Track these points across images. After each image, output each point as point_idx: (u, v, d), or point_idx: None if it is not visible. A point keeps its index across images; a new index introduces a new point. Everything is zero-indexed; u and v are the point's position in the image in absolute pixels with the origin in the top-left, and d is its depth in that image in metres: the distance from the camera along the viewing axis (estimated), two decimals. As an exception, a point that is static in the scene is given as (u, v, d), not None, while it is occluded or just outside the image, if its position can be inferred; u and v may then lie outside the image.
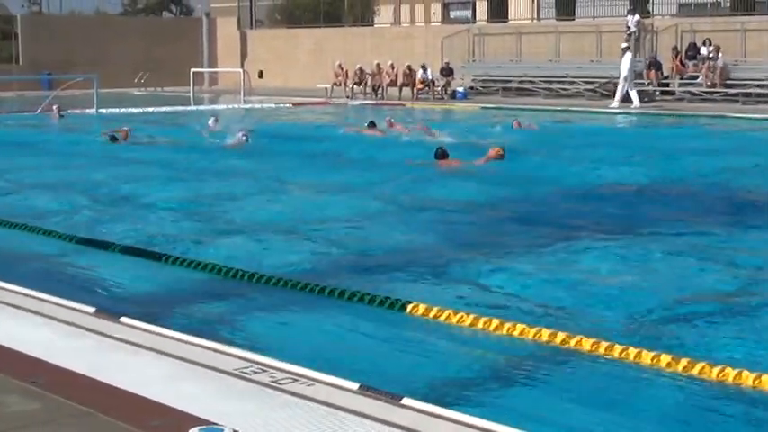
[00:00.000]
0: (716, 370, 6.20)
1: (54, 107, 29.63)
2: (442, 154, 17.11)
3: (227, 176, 16.69)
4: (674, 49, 34.74)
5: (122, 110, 32.87)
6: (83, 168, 17.90)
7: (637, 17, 35.89)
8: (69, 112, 30.34)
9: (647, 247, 10.50)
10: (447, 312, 7.45)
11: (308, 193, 14.95)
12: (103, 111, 31.63)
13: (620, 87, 33.04)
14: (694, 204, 13.79)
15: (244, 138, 21.90)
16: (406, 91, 38.73)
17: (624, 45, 33.39)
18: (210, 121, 25.38)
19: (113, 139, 22.07)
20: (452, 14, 50.21)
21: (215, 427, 4.72)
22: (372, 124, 24.19)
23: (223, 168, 17.84)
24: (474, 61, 40.84)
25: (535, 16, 44.77)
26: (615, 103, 32.87)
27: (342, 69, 40.72)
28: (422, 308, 7.59)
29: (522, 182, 15.80)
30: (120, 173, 17.07)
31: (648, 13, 39.56)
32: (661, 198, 14.48)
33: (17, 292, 7.70)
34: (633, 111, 31.78)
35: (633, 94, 32.86)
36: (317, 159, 19.05)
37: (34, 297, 7.54)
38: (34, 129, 26.38)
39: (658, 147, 21.35)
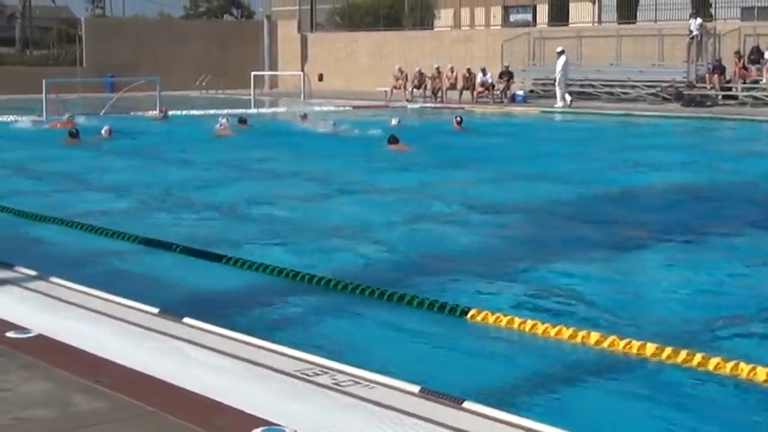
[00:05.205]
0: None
1: (160, 108, 31.27)
2: (393, 139, 20.51)
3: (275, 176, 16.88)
4: (737, 53, 34.37)
5: (184, 112, 33.19)
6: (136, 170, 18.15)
7: (699, 21, 35.59)
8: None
9: (712, 252, 10.40)
10: (507, 318, 7.43)
11: (357, 194, 15.02)
12: (165, 113, 31.96)
13: (557, 88, 35.52)
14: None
15: (226, 123, 24.29)
16: (466, 94, 38.70)
17: (559, 49, 35.88)
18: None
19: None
20: (512, 18, 49.95)
21: (277, 427, 4.75)
22: (305, 116, 27.35)
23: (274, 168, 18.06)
24: (534, 65, 40.69)
25: (596, 19, 44.50)
26: (559, 102, 35.18)
27: (401, 73, 40.78)
28: (482, 314, 7.57)
29: (580, 183, 15.74)
30: (175, 173, 17.34)
31: (711, 16, 39.14)
32: (723, 202, 14.35)
33: (82, 292, 7.79)
34: (556, 109, 34.37)
35: (559, 94, 35.31)
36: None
37: (99, 297, 7.63)
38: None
39: (722, 150, 21.13)
